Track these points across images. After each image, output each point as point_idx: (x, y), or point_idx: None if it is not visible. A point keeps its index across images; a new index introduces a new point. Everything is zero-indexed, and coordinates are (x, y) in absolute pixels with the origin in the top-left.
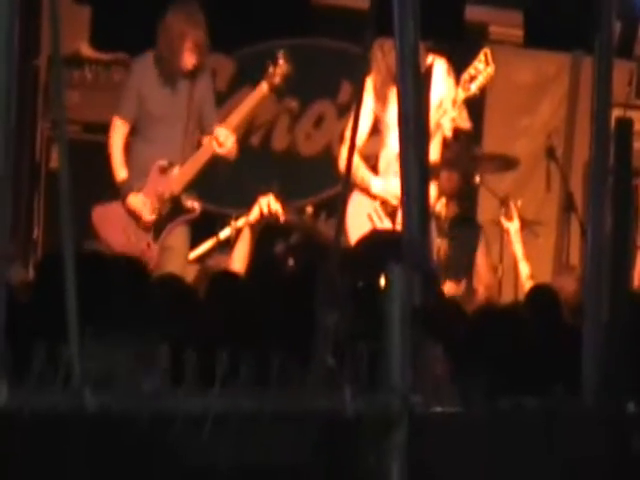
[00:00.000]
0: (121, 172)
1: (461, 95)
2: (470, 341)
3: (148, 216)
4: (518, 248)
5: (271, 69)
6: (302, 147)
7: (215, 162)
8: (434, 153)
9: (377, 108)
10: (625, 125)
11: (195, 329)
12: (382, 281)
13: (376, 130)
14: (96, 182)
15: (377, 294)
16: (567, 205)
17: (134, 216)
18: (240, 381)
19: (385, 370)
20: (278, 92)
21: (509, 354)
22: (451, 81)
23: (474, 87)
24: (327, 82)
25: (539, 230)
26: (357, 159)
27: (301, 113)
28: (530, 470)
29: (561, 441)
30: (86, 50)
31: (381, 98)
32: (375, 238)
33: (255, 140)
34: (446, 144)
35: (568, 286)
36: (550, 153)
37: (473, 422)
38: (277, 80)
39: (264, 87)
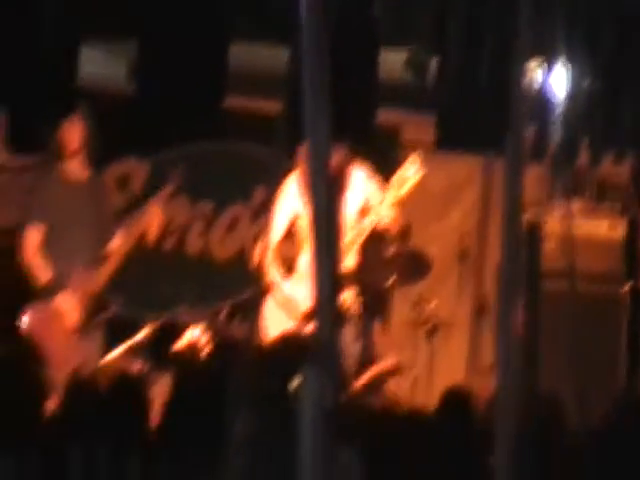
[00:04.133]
0: (44, 274)
1: (390, 198)
2: (383, 444)
3: (74, 318)
4: None
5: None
6: (216, 251)
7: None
8: (352, 258)
9: (300, 209)
10: (535, 228)
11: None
12: (293, 384)
13: (292, 232)
14: (12, 287)
15: (289, 397)
16: (480, 307)
17: (61, 318)
18: None
19: (297, 475)
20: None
21: (421, 458)
22: (373, 185)
23: (404, 190)
24: (241, 186)
25: (453, 331)
26: (271, 259)
27: (215, 217)
28: None
29: None
30: (2, 157)
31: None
32: (286, 341)
33: (169, 244)
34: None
35: (484, 388)
36: (462, 255)
37: None
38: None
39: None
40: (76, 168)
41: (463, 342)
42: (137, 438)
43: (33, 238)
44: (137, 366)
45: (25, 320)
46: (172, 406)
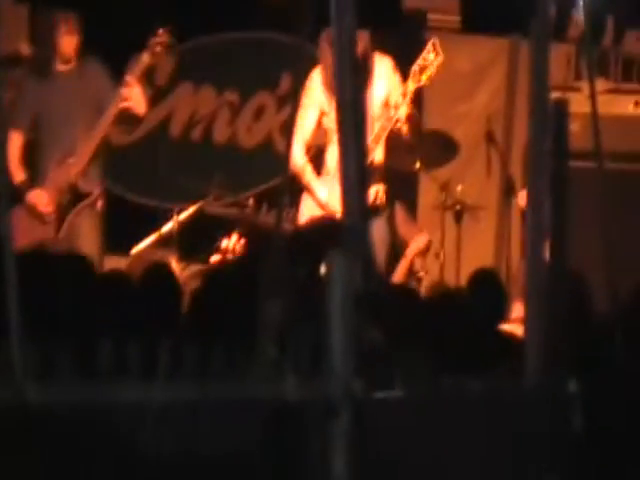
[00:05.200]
0: (18, 174)
1: (411, 87)
2: (413, 325)
3: (44, 207)
4: None
5: (152, 40)
6: (243, 140)
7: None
8: (380, 152)
9: (325, 101)
10: (561, 106)
11: (136, 322)
12: (323, 268)
13: (321, 129)
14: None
15: (318, 281)
16: (507, 189)
17: (33, 212)
18: (183, 372)
19: (327, 357)
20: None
21: (452, 338)
22: (397, 78)
23: (424, 78)
24: (267, 74)
25: (480, 215)
26: (304, 160)
27: (241, 106)
28: (473, 451)
29: (504, 421)
30: (25, 49)
31: (329, 91)
32: (315, 225)
33: (196, 134)
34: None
35: (512, 269)
36: (489, 137)
37: (415, 405)
38: (158, 49)
39: (145, 58)
40: (66, 61)
41: (491, 225)
42: (169, 326)
43: (14, 141)
44: (168, 256)
45: None
46: (203, 294)
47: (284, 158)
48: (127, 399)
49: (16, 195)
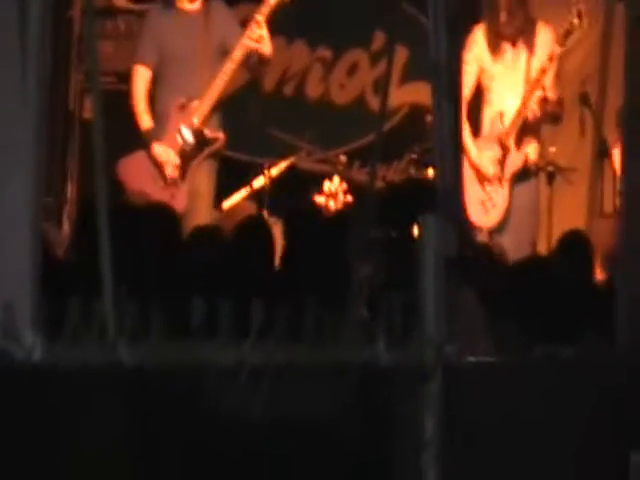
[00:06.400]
0: (145, 120)
1: (557, 50)
2: (505, 290)
3: (171, 169)
4: None
5: None
6: (336, 96)
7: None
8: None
9: (486, 58)
10: None
11: (230, 276)
12: (415, 231)
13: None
14: (129, 133)
15: (411, 244)
16: (601, 151)
17: (159, 166)
18: (274, 333)
19: (419, 321)
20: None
21: (543, 303)
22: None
23: (570, 42)
24: (360, 30)
25: (572, 177)
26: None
27: (334, 62)
28: (563, 418)
29: (595, 388)
30: (119, 0)
31: (492, 49)
32: (409, 187)
33: (288, 89)
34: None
35: (603, 233)
36: (583, 99)
37: (507, 371)
38: None
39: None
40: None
41: (583, 187)
42: (262, 280)
43: (141, 75)
44: (259, 211)
45: (120, 167)
46: (294, 250)
47: (377, 115)
48: (218, 361)
49: (141, 141)
